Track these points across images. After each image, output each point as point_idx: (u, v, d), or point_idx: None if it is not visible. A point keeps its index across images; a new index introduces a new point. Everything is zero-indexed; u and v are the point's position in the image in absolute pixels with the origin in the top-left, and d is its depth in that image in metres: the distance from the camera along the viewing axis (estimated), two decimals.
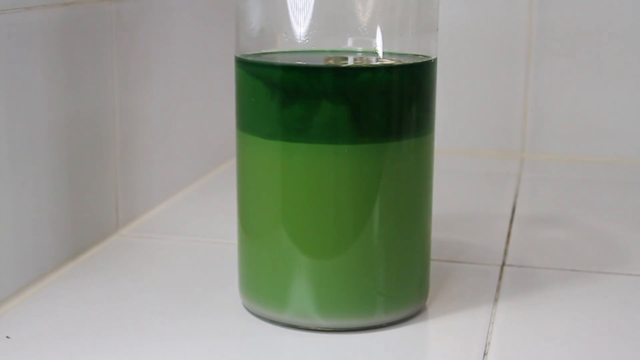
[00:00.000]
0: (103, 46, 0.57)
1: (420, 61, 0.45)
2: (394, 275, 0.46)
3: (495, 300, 0.50)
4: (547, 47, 0.81)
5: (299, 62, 0.44)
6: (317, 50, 0.45)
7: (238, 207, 0.48)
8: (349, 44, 0.45)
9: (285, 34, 0.44)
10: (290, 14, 0.44)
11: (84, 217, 0.56)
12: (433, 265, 0.51)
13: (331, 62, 0.45)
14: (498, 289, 0.51)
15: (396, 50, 0.45)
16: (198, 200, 0.69)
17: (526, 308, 0.49)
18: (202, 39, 0.72)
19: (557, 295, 0.51)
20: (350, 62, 0.45)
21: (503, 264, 0.55)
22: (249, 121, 0.45)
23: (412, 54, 0.45)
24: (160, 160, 0.66)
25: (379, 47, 0.44)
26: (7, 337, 0.44)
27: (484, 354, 0.43)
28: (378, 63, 0.45)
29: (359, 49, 0.45)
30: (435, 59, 0.46)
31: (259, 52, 0.46)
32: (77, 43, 0.54)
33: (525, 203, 0.69)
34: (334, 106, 0.43)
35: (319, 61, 0.45)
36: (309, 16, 0.44)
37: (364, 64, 0.45)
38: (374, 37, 0.44)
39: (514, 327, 0.46)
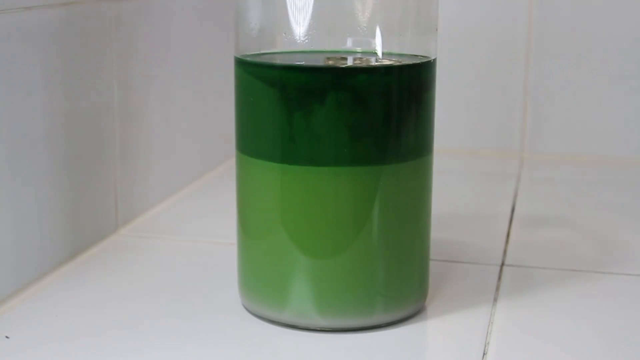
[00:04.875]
0: (103, 46, 0.57)
1: (420, 61, 0.45)
2: (393, 275, 0.46)
3: (495, 300, 0.50)
4: (546, 47, 0.81)
5: (299, 63, 0.44)
6: (316, 51, 0.45)
7: (238, 207, 0.48)
8: (349, 44, 0.45)
9: (285, 34, 0.44)
10: (290, 14, 0.44)
11: (83, 217, 0.56)
12: (433, 265, 0.51)
13: (330, 62, 0.45)
14: (497, 289, 0.51)
15: (396, 50, 0.45)
16: (198, 200, 0.69)
17: (525, 308, 0.49)
18: (201, 39, 0.72)
19: (556, 295, 0.51)
20: (350, 62, 0.45)
21: (502, 264, 0.55)
22: (248, 140, 0.45)
23: (411, 54, 0.45)
24: (160, 160, 0.66)
25: (378, 47, 0.44)
26: (7, 337, 0.45)
27: (484, 354, 0.43)
28: (377, 63, 0.45)
29: (359, 49, 0.45)
30: (435, 59, 0.46)
31: (258, 52, 0.46)
32: (77, 43, 0.54)
33: (525, 203, 0.69)
34: (334, 107, 0.43)
35: (318, 61, 0.45)
36: (309, 16, 0.44)
37: (364, 64, 0.45)
38: (374, 37, 0.44)
39: (514, 327, 0.46)
